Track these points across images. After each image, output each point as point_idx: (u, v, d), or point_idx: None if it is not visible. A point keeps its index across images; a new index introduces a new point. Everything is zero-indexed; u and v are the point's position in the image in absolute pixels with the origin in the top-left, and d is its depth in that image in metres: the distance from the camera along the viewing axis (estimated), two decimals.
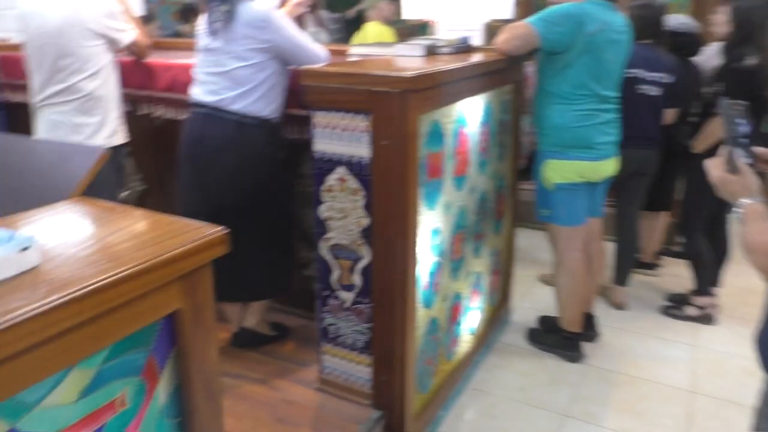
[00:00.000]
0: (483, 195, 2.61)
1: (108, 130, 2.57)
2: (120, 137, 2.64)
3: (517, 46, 2.45)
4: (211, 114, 2.24)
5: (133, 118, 2.77)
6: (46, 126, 2.55)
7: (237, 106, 2.20)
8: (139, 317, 1.01)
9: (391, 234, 1.94)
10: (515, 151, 2.95)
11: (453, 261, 2.38)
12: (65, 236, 1.10)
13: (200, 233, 1.10)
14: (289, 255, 2.52)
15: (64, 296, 0.87)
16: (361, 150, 1.93)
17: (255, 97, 2.21)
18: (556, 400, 2.56)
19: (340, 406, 2.16)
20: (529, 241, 3.95)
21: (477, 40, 3.65)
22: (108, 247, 1.04)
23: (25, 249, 0.93)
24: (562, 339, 2.85)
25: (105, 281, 0.93)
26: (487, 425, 2.41)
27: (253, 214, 2.30)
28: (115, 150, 2.55)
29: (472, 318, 2.69)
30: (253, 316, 2.50)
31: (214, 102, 2.22)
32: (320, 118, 1.98)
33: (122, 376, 1.03)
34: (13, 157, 1.51)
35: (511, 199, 3.01)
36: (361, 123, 1.91)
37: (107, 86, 2.56)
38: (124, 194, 2.87)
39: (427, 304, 2.19)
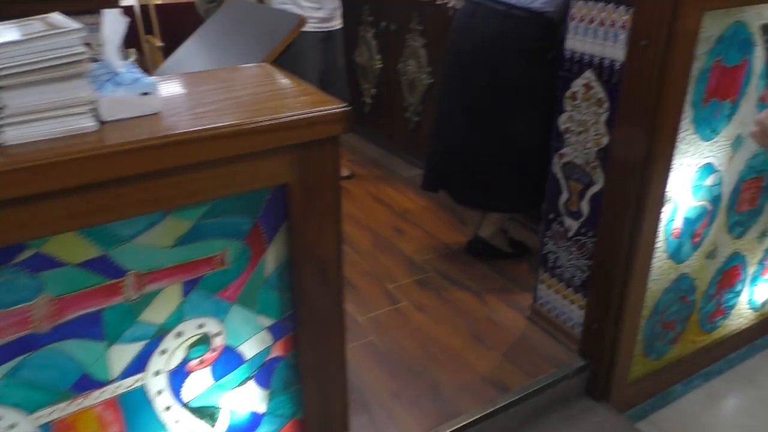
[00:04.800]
0: None
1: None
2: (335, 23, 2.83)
3: None
4: (481, 3, 2.07)
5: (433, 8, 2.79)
6: None
7: None
8: (239, 180, 0.99)
9: (631, 160, 1.57)
10: None
11: (737, 213, 1.86)
12: (201, 93, 1.11)
13: (321, 106, 1.02)
14: (542, 169, 2.27)
15: (152, 139, 0.89)
16: (615, 51, 1.57)
17: None
18: None
19: (545, 343, 1.94)
20: None
21: None
22: (228, 107, 1.03)
23: (145, 94, 0.97)
24: None
25: (205, 132, 0.92)
26: (743, 421, 1.93)
27: (510, 117, 2.11)
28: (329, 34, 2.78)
29: (760, 291, 2.11)
30: (488, 226, 2.36)
31: None
32: (579, 8, 1.65)
33: (223, 236, 1.04)
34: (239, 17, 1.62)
35: None
36: (620, 17, 1.54)
37: None
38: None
39: (677, 256, 1.77)
